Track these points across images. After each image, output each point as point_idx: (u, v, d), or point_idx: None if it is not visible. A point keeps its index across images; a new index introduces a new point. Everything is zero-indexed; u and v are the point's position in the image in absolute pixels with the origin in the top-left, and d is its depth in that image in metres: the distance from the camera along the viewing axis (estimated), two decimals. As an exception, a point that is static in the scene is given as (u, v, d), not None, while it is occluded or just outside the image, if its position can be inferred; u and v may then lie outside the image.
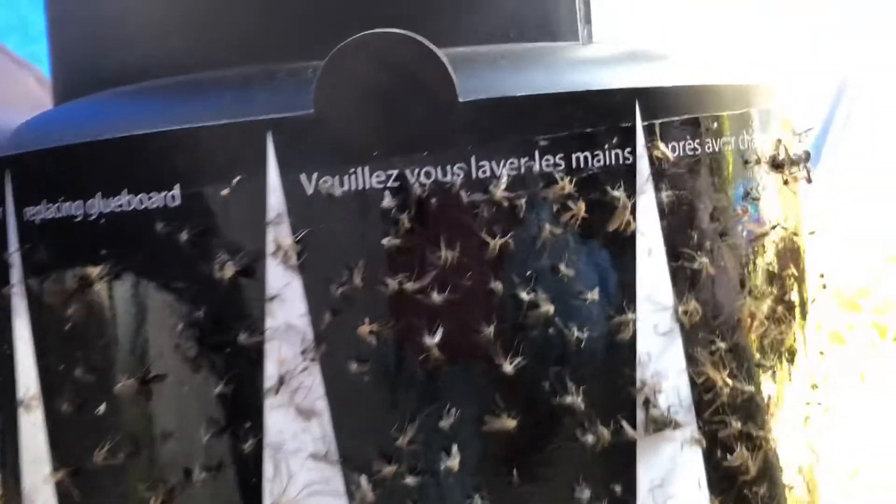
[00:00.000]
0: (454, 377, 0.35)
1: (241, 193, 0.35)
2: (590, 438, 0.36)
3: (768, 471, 0.41)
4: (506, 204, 0.35)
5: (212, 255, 0.35)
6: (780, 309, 0.43)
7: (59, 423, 0.38)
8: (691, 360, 0.38)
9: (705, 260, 0.38)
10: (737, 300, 0.40)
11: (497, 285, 0.35)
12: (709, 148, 0.39)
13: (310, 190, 0.35)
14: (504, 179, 0.35)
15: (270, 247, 0.34)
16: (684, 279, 0.38)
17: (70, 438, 0.38)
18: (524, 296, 0.35)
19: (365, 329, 0.34)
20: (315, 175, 0.35)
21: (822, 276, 0.50)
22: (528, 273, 0.35)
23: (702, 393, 0.39)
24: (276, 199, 0.35)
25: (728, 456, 0.39)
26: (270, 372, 0.35)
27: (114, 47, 0.42)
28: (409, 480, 0.34)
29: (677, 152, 0.38)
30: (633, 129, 0.37)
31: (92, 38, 0.44)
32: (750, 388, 0.40)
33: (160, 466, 0.36)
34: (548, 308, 0.35)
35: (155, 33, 0.41)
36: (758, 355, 0.41)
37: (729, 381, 0.38)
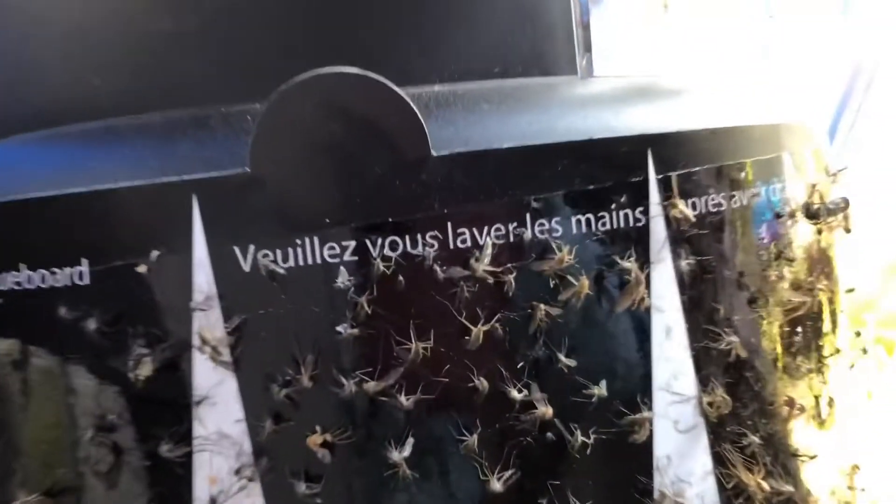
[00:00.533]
0: (430, 498, 0.28)
1: (162, 271, 0.28)
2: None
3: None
4: (491, 280, 0.28)
5: (126, 347, 0.28)
6: (816, 383, 0.37)
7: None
8: (719, 459, 0.31)
9: (734, 339, 0.32)
10: (770, 382, 0.34)
11: (481, 383, 0.28)
12: (735, 202, 0.33)
13: (246, 266, 0.28)
14: (489, 250, 0.28)
15: (197, 338, 0.28)
16: (709, 363, 0.32)
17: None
18: (515, 394, 0.28)
19: (316, 439, 0.28)
20: (252, 248, 0.28)
21: (857, 334, 0.43)
22: (520, 365, 0.28)
23: (731, 499, 0.32)
24: (203, 277, 0.28)
25: (762, 572, 0.32)
26: (200, 492, 0.28)
27: (19, 84, 0.35)
28: None
29: (698, 209, 0.31)
30: (645, 184, 0.30)
31: None
32: (789, 488, 0.33)
33: None
34: (545, 409, 0.28)
35: (69, 69, 0.34)
36: (795, 444, 0.34)
37: (764, 484, 0.32)
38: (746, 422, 0.32)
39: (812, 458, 0.35)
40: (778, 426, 0.33)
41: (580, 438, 0.29)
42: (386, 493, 0.28)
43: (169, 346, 0.28)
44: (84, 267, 0.29)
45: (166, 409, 0.28)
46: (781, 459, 0.34)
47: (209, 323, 0.28)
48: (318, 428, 0.28)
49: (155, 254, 0.28)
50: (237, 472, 0.27)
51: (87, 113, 0.33)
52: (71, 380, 0.29)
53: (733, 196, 0.33)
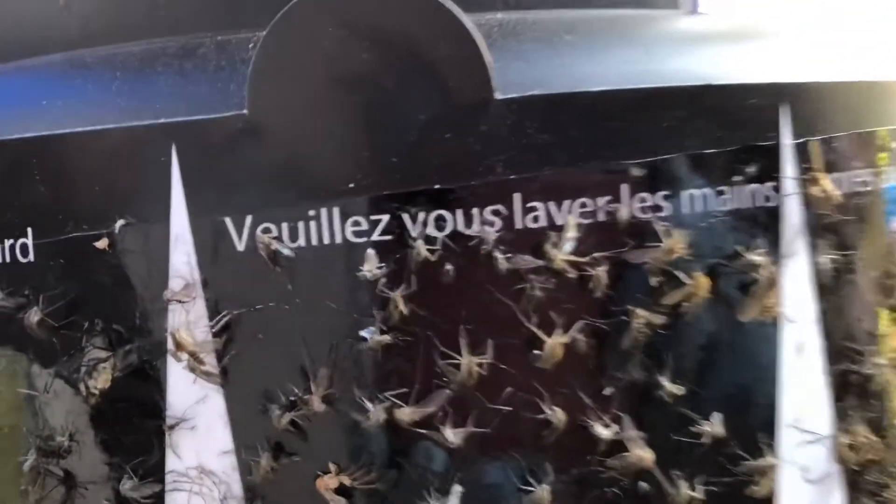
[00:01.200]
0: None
1: (129, 246, 0.21)
2: None
3: None
4: (572, 274, 0.21)
5: (79, 347, 0.21)
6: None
7: None
8: (859, 515, 0.24)
9: (882, 361, 0.24)
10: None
11: (555, 414, 0.20)
12: (885, 179, 0.25)
13: (240, 244, 0.21)
14: (571, 233, 0.20)
15: (171, 341, 0.20)
16: (849, 391, 0.24)
17: None
18: (601, 431, 0.21)
19: (328, 482, 0.20)
20: (249, 219, 0.20)
21: None
22: (609, 391, 0.21)
23: (871, 574, 0.24)
24: (183, 257, 0.21)
25: None
26: (172, 548, 0.21)
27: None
28: None
29: (842, 187, 0.24)
30: (777, 150, 0.22)
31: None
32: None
33: None
34: (640, 452, 0.21)
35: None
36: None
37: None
38: (892, 470, 0.24)
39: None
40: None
41: (685, 491, 0.21)
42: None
43: (135, 348, 0.21)
44: (27, 238, 0.21)
45: (130, 433, 0.21)
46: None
47: (189, 320, 0.21)
48: (331, 467, 0.20)
49: (119, 223, 0.21)
50: (222, 522, 0.20)
51: (49, 44, 0.25)
52: (8, 387, 0.22)
53: (883, 171, 0.25)
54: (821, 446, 0.24)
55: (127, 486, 0.21)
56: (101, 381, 0.21)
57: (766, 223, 0.22)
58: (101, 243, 0.21)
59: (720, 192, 0.22)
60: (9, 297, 0.22)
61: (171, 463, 0.21)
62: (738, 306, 0.22)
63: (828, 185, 0.23)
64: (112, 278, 0.21)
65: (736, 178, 0.22)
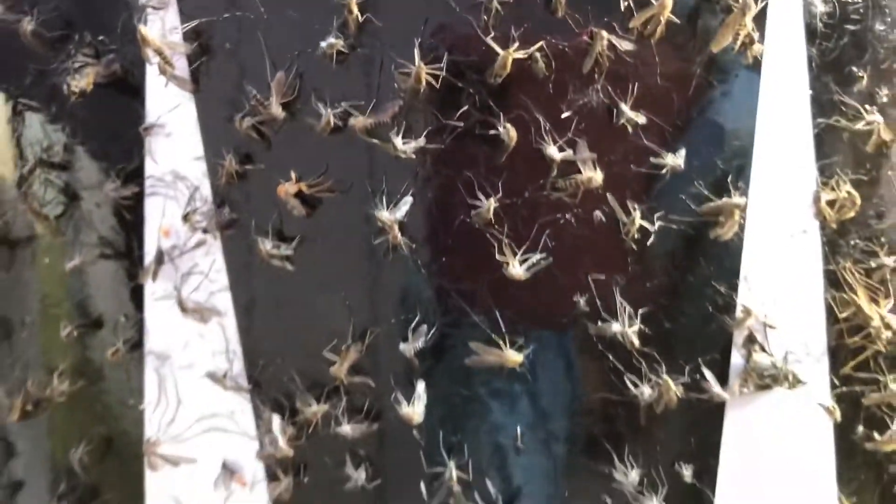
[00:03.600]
0: (426, 279, 0.22)
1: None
2: (646, 392, 0.22)
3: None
4: (533, -12, 0.20)
5: (65, 48, 0.22)
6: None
7: None
8: (833, 281, 0.23)
9: (877, 117, 0.23)
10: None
11: (507, 131, 0.21)
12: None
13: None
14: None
15: (142, 42, 0.21)
16: (836, 145, 0.23)
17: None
18: (554, 152, 0.21)
19: (288, 188, 0.21)
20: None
21: None
22: (566, 114, 0.21)
23: (844, 334, 0.24)
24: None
25: (875, 434, 0.25)
26: (150, 246, 0.23)
27: None
28: (348, 428, 0.22)
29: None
30: None
31: None
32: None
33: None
34: (592, 173, 0.21)
35: None
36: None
37: (891, 320, 0.23)
38: (880, 235, 0.24)
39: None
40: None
41: (639, 222, 0.21)
42: (372, 264, 0.21)
43: (118, 57, 0.22)
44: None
45: (114, 140, 0.23)
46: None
47: (163, 28, 0.21)
48: (292, 174, 0.21)
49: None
50: (188, 218, 0.22)
51: None
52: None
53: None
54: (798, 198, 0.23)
55: (110, 188, 0.23)
56: (84, 82, 0.22)
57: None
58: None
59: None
60: (8, 10, 0.23)
61: (150, 168, 0.23)
62: (710, 36, 0.21)
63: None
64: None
65: None
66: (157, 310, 0.23)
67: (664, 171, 0.21)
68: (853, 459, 0.25)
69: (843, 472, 0.25)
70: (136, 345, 0.24)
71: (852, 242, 0.24)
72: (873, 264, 0.24)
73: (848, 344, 0.24)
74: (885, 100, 0.23)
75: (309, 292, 0.22)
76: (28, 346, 0.26)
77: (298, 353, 0.22)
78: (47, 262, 0.24)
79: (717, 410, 0.23)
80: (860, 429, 0.25)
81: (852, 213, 0.23)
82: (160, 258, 0.22)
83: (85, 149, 0.23)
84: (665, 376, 0.22)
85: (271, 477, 0.23)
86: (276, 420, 0.22)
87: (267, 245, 0.21)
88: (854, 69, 0.23)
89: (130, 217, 0.23)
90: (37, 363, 0.25)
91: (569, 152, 0.21)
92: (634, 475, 0.22)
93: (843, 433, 0.25)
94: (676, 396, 0.22)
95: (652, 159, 0.21)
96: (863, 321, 0.24)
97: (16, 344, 0.26)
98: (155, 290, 0.23)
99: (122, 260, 0.23)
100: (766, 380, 0.23)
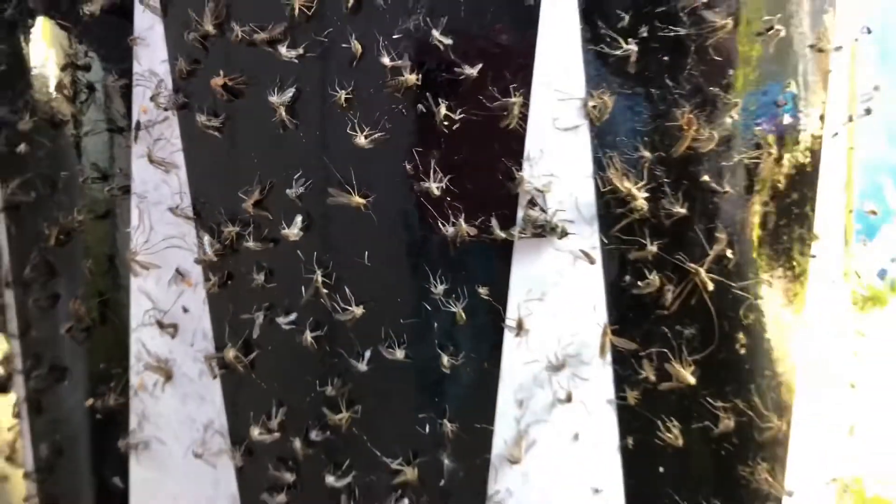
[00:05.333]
0: (306, 144, 0.32)
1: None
2: (448, 229, 0.32)
3: (704, 316, 0.35)
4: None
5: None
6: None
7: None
8: (600, 165, 0.33)
9: (633, 48, 0.32)
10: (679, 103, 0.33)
11: (354, 45, 0.31)
12: None
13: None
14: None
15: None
16: (605, 65, 0.32)
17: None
18: (386, 60, 0.31)
19: (217, 81, 0.32)
20: None
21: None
22: (396, 35, 0.31)
23: (610, 204, 0.33)
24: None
25: (638, 283, 0.34)
26: (135, 117, 0.34)
27: None
28: (253, 245, 0.33)
29: None
30: None
31: None
32: (681, 211, 0.34)
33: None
34: (411, 76, 0.31)
35: None
36: (706, 177, 0.34)
37: (639, 194, 0.33)
38: (643, 135, 0.33)
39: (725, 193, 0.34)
40: (676, 145, 0.33)
41: (444, 111, 0.31)
42: (263, 133, 0.32)
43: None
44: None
45: (114, 48, 0.34)
46: (684, 188, 0.34)
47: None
48: (220, 73, 0.32)
49: None
50: (155, 100, 0.33)
51: None
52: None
53: None
54: (570, 104, 0.32)
55: (110, 80, 0.34)
56: (94, 8, 0.33)
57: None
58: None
59: None
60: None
61: (135, 67, 0.34)
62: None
63: None
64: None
65: None
66: (139, 164, 0.35)
67: (463, 77, 0.31)
68: (621, 302, 0.34)
69: (612, 310, 0.34)
70: (126, 189, 0.35)
71: (619, 138, 0.33)
72: (636, 156, 0.33)
73: (613, 212, 0.33)
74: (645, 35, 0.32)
75: (234, 156, 0.33)
76: (64, 194, 0.38)
77: (225, 193, 0.33)
78: (72, 133, 0.36)
79: (506, 248, 0.33)
80: (627, 278, 0.34)
81: (607, 115, 0.32)
82: (139, 127, 0.34)
83: (97, 55, 0.35)
84: (462, 221, 0.32)
85: (206, 278, 0.34)
86: (207, 238, 0.33)
87: (202, 118, 0.33)
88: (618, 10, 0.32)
89: (123, 100, 0.35)
90: (66, 203, 0.37)
91: (398, 61, 0.31)
92: (442, 288, 0.33)
93: (613, 281, 0.34)
94: (469, 235, 0.32)
95: (457, 69, 0.31)
96: (623, 196, 0.33)
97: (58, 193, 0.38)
98: (137, 151, 0.35)
99: (117, 131, 0.35)
100: (539, 229, 0.32)
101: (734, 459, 0.37)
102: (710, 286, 0.35)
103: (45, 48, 0.36)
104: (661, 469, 0.36)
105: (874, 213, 0.43)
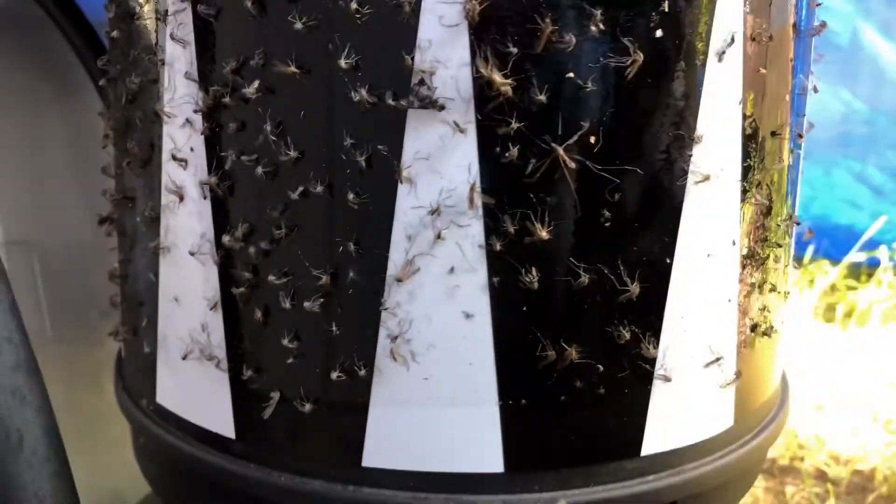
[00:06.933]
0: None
1: None
2: (355, 96, 0.43)
3: (565, 188, 0.43)
4: None
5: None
6: None
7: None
8: (475, 56, 0.42)
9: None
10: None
11: None
12: None
13: None
14: None
15: None
16: (479, -21, 0.42)
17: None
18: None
19: (212, -19, 0.45)
20: None
21: None
22: None
23: (484, 88, 0.43)
24: None
25: (505, 154, 0.44)
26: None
27: None
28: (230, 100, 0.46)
29: None
30: None
31: None
32: (540, 99, 0.43)
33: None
34: None
35: None
36: (571, 73, 0.43)
37: (501, 81, 0.42)
38: (506, 34, 0.42)
39: (586, 86, 0.43)
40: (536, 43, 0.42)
41: (355, 6, 0.42)
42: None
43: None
44: None
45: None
46: (553, 80, 0.43)
47: None
48: (215, -25, 0.45)
49: None
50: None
51: None
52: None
53: None
54: (454, 6, 0.42)
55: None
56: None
57: None
58: None
59: None
60: None
61: (168, -29, 0.48)
62: None
63: None
64: None
65: None
66: (168, 41, 0.49)
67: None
68: (494, 168, 0.44)
69: (484, 174, 0.44)
70: (163, 61, 0.50)
71: (491, 36, 0.42)
72: (503, 50, 0.42)
73: (487, 95, 0.43)
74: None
75: (221, 34, 0.46)
76: (133, 65, 0.53)
77: (217, 65, 0.47)
78: (137, 19, 0.51)
79: (401, 116, 0.43)
80: (497, 149, 0.44)
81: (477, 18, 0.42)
82: (166, 14, 0.48)
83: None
84: (363, 91, 0.43)
85: (203, 125, 0.48)
86: (202, 94, 0.47)
87: (202, 8, 0.46)
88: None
89: (161, -5, 0.49)
90: (130, 71, 0.52)
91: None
92: (350, 142, 0.44)
93: (485, 150, 0.44)
94: (368, 103, 0.43)
95: None
96: (493, 84, 0.43)
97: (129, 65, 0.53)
98: (166, 31, 0.49)
99: (161, 19, 0.49)
100: (423, 102, 0.43)
101: (596, 315, 0.46)
102: (571, 164, 0.43)
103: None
104: (524, 308, 0.46)
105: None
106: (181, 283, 0.52)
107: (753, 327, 0.54)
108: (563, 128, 0.43)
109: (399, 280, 0.45)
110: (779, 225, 0.56)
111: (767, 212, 0.52)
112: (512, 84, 0.42)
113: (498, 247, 0.44)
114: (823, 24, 0.60)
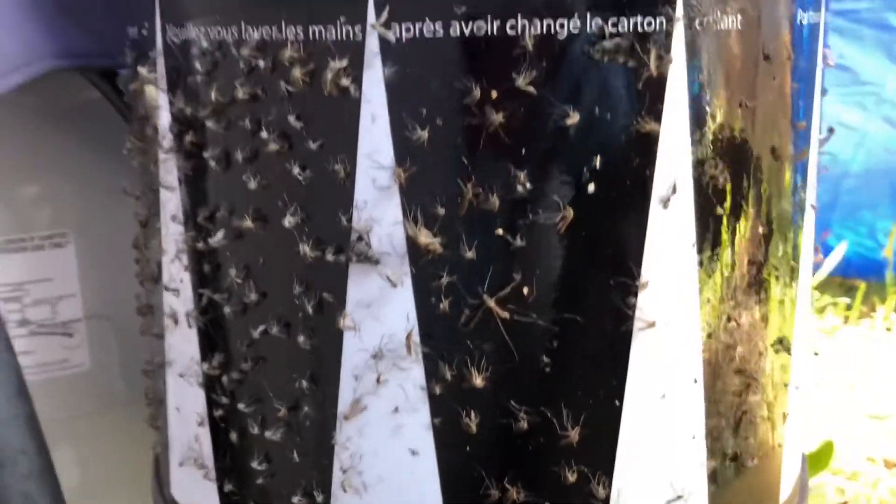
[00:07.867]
0: None
1: None
2: (303, 249, 0.46)
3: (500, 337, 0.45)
4: None
5: None
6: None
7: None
8: (406, 216, 0.45)
9: (424, 134, 0.43)
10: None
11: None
12: None
13: None
14: None
15: None
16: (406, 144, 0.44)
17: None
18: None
19: None
20: None
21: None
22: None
23: (415, 245, 0.45)
24: None
25: (439, 305, 0.45)
26: None
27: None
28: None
29: None
30: None
31: None
32: (469, 255, 0.44)
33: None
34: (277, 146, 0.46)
35: None
36: (500, 230, 0.44)
37: (430, 241, 0.44)
38: (435, 197, 0.44)
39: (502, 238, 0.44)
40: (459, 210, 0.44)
41: (297, 171, 0.46)
42: None
43: None
44: None
45: None
46: (476, 239, 0.44)
47: None
48: None
49: None
50: None
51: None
52: None
53: None
54: (385, 172, 0.44)
55: None
56: None
57: None
58: None
59: None
60: None
61: None
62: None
63: None
64: None
65: None
66: (161, 185, 0.54)
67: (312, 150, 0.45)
68: (431, 317, 0.46)
69: (422, 322, 0.46)
70: (158, 199, 0.55)
71: (421, 198, 0.44)
72: (431, 211, 0.44)
73: (420, 250, 0.45)
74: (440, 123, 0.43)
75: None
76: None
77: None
78: None
79: (343, 270, 0.46)
80: (433, 300, 0.46)
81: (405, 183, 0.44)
82: None
83: None
84: (307, 248, 0.46)
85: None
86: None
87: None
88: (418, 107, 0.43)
89: None
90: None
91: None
92: (300, 290, 0.47)
93: (422, 300, 0.46)
94: (311, 258, 0.46)
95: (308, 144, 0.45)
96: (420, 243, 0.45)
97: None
98: (160, 176, 0.54)
99: None
100: (360, 257, 0.45)
101: (540, 457, 0.47)
102: (504, 314, 0.45)
103: None
104: (467, 448, 0.47)
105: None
106: (181, 397, 0.57)
107: (734, 457, 0.53)
108: (494, 281, 0.45)
109: (346, 418, 0.48)
110: (777, 350, 0.54)
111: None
112: (441, 242, 0.44)
113: (438, 390, 0.46)
114: (831, 130, 0.58)
